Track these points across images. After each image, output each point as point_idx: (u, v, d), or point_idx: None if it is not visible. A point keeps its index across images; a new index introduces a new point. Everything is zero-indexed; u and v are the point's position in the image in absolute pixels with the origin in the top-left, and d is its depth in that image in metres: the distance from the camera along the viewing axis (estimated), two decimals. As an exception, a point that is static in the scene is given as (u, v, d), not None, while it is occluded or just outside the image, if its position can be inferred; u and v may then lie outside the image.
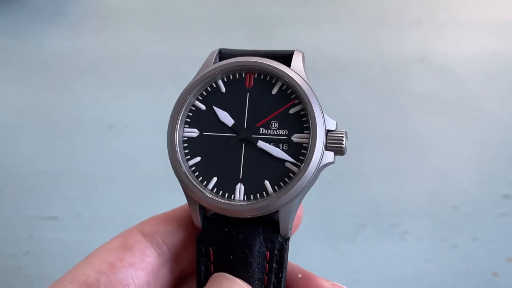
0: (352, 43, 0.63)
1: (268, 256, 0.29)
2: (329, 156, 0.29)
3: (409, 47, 0.62)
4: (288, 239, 0.30)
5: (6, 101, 0.61)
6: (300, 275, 0.31)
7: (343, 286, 0.31)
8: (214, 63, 0.31)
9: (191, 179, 0.29)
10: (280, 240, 0.30)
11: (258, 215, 0.29)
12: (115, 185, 0.57)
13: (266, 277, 0.29)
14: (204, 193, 0.29)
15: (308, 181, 0.29)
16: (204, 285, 0.29)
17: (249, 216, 0.29)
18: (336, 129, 0.30)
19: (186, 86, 0.30)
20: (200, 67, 0.31)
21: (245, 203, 0.29)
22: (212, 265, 0.29)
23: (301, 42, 0.62)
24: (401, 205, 0.57)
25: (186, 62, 0.62)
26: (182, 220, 0.31)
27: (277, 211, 0.29)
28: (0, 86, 0.62)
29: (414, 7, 0.64)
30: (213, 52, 0.31)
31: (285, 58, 0.31)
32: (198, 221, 0.29)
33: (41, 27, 0.64)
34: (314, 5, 0.64)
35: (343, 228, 0.56)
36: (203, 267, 0.29)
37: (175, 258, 0.31)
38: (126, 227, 0.30)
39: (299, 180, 0.28)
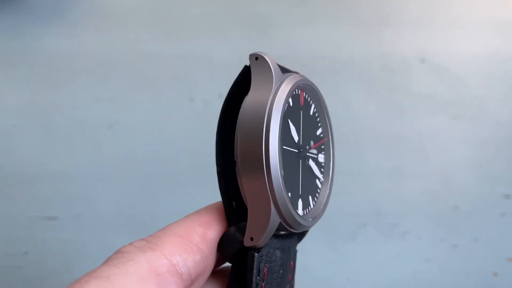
0: (352, 43, 0.63)
1: (292, 266, 0.30)
2: None
3: (409, 47, 0.62)
4: None
5: (6, 101, 0.61)
6: None
7: None
8: (283, 72, 0.28)
9: (287, 193, 0.27)
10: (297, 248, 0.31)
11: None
12: (115, 185, 0.57)
13: (288, 285, 0.30)
14: (292, 208, 0.27)
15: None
16: None
17: (306, 230, 0.30)
18: None
19: (274, 96, 0.26)
20: (256, 72, 0.27)
21: (308, 219, 0.30)
22: (263, 283, 0.27)
23: (301, 42, 0.62)
24: (401, 205, 0.57)
25: (186, 62, 0.62)
26: (202, 244, 0.27)
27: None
28: None
29: (414, 7, 0.64)
30: (269, 57, 0.28)
31: None
32: (268, 238, 0.27)
33: (41, 27, 0.64)
34: (314, 5, 0.64)
35: (343, 228, 0.56)
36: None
37: (195, 283, 0.27)
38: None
39: (330, 195, 0.32)
